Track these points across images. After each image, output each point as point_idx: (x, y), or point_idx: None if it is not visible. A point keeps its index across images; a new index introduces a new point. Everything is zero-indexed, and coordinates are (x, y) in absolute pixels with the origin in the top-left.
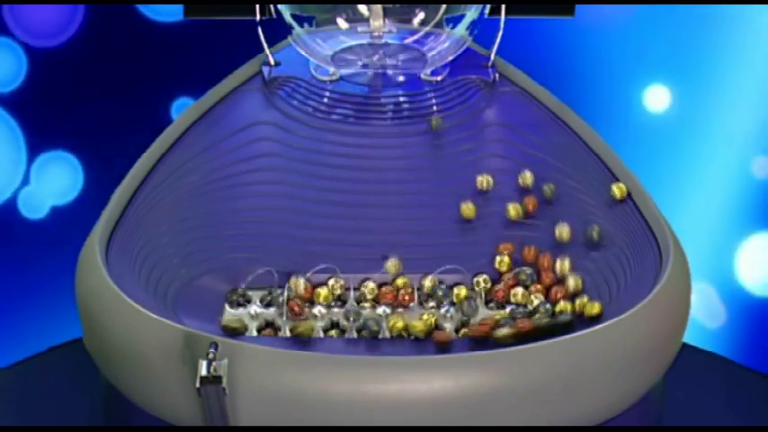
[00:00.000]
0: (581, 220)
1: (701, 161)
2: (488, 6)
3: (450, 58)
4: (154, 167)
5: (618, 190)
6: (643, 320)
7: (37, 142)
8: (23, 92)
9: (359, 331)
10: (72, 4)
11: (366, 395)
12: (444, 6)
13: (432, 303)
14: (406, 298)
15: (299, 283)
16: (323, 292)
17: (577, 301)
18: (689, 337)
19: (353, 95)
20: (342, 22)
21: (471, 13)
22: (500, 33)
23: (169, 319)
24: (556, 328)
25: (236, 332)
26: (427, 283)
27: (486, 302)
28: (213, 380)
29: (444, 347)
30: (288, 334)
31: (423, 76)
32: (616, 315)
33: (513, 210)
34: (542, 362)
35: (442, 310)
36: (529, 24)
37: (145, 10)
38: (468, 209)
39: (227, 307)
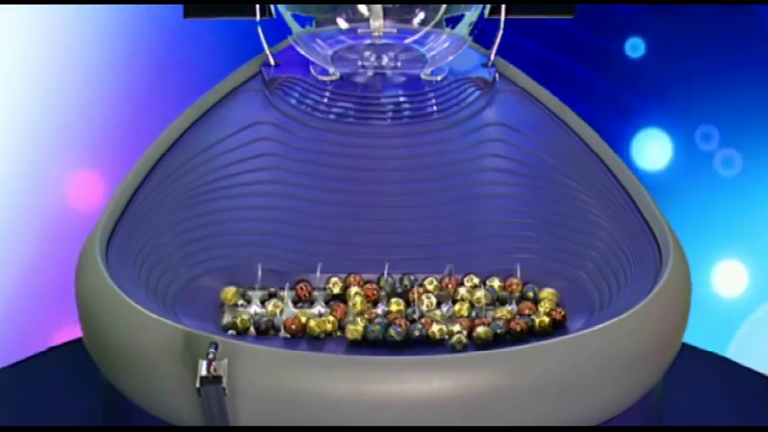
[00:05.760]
0: (581, 220)
1: None
2: (488, 6)
3: (451, 58)
4: (154, 167)
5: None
6: (643, 320)
7: None
8: None
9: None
10: (73, 4)
11: (366, 395)
12: (444, 6)
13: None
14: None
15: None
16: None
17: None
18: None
19: (353, 95)
20: (342, 22)
21: (471, 13)
22: (500, 33)
23: (169, 319)
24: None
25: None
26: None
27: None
28: (213, 380)
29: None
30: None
31: (423, 76)
32: (616, 315)
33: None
34: (542, 362)
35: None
36: (529, 24)
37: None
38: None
39: (226, 307)
